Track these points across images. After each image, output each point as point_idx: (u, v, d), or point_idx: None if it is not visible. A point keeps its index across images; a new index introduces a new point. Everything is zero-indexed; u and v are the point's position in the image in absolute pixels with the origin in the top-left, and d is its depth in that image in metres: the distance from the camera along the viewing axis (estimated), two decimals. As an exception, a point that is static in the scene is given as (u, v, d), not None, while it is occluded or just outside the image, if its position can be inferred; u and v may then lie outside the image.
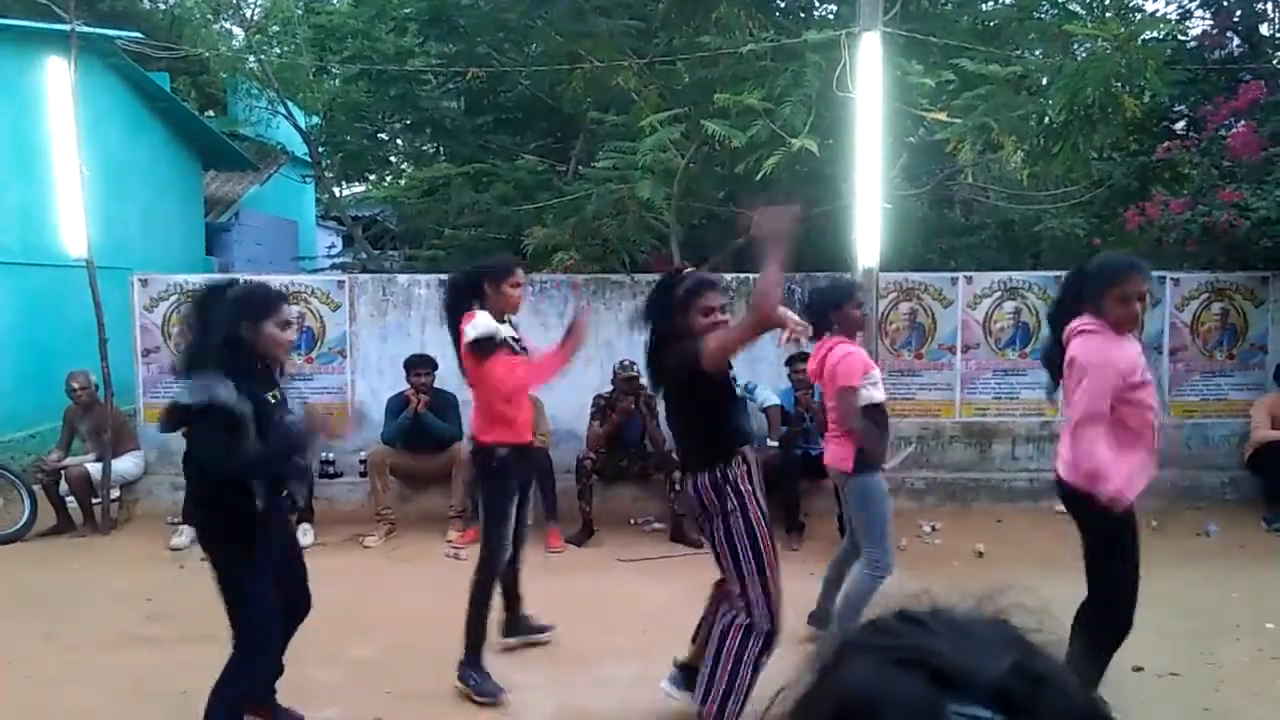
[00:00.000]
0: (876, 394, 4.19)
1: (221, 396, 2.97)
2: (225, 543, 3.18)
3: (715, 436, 3.42)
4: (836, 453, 4.17)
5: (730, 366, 3.46)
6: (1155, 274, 7.47)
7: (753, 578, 3.34)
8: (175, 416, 3.13)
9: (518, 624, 4.54)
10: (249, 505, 3.10)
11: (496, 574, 4.14)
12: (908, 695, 0.55)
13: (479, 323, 3.99)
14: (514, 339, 4.16)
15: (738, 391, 3.54)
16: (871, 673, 0.58)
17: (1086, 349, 3.20)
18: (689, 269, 3.74)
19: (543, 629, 4.57)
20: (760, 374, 6.83)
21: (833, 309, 4.23)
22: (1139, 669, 3.95)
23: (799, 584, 4.44)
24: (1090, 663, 3.25)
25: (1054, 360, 3.41)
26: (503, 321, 4.14)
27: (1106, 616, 3.25)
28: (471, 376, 4.11)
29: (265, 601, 3.22)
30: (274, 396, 3.23)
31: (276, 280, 7.52)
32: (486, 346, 3.98)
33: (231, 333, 3.10)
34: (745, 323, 3.28)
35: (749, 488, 3.38)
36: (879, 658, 0.59)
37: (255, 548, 3.16)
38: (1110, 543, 3.27)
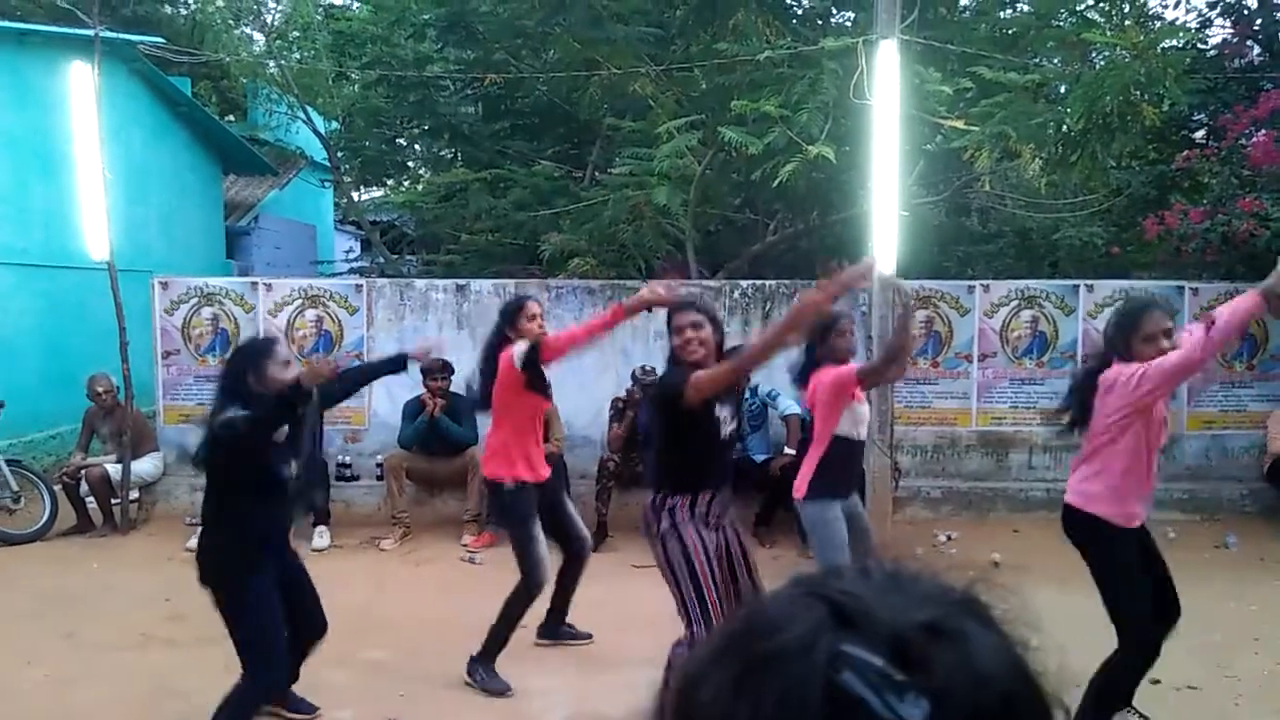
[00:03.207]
0: (848, 429, 4.04)
1: (229, 415, 3.20)
2: (225, 573, 3.30)
3: (673, 467, 3.41)
4: (799, 479, 4.10)
5: (718, 407, 3.36)
6: (1174, 284, 7.45)
7: (691, 600, 3.32)
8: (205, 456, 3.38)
9: (555, 629, 4.67)
10: (248, 532, 3.30)
11: (537, 592, 4.22)
12: (803, 625, 0.55)
13: (518, 347, 4.16)
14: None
15: (725, 428, 3.41)
16: (786, 601, 0.58)
17: (1115, 371, 3.27)
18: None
19: (578, 635, 4.70)
20: (782, 382, 6.82)
21: (819, 342, 4.05)
22: (1156, 682, 3.92)
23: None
24: (1112, 687, 3.25)
25: (1083, 400, 3.43)
26: None
27: (1127, 642, 3.26)
28: (498, 403, 4.26)
29: (268, 627, 3.32)
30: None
31: (294, 284, 7.60)
32: (533, 357, 4.11)
33: (241, 389, 3.30)
34: (749, 353, 3.29)
35: (686, 518, 3.34)
36: (802, 589, 0.59)
37: (252, 577, 3.29)
38: (1113, 565, 3.28)
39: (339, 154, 11.99)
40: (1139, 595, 3.30)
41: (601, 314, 4.51)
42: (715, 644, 0.60)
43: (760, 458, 6.67)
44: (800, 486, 4.04)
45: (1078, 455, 3.55)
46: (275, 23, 12.33)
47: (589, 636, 4.70)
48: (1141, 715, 3.51)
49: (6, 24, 9.32)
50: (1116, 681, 3.27)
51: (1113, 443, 3.29)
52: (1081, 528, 3.39)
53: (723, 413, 3.38)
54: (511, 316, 4.30)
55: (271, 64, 11.39)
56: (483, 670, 4.16)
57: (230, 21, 11.78)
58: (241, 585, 3.27)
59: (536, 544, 4.20)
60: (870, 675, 0.51)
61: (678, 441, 3.39)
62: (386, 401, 7.27)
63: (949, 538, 6.59)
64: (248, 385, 3.31)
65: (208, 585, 3.30)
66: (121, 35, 9.73)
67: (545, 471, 4.38)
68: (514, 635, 4.64)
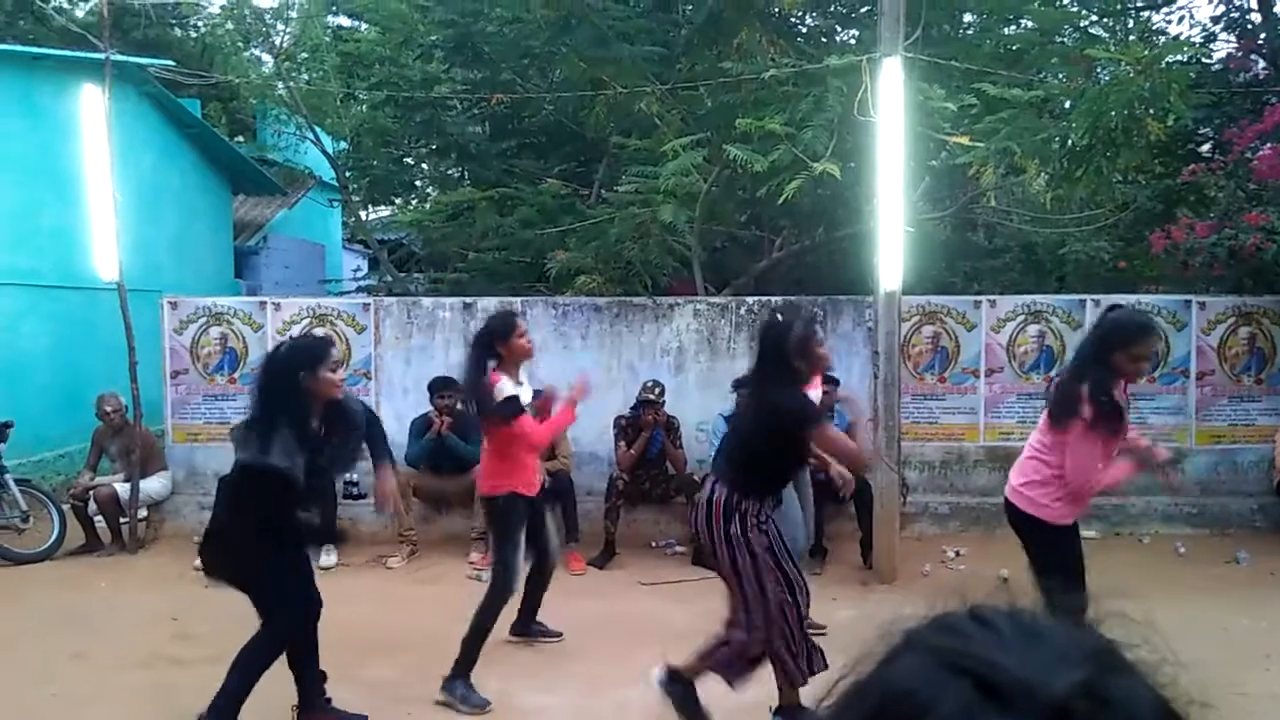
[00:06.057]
0: None
1: (275, 463, 3.28)
2: (255, 557, 3.53)
3: (762, 477, 3.63)
4: None
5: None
6: (1181, 298, 7.44)
7: (752, 605, 3.55)
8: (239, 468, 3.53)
9: (526, 626, 4.83)
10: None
11: (505, 600, 4.31)
12: (951, 704, 0.50)
13: (503, 387, 4.22)
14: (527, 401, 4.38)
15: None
16: (921, 673, 0.53)
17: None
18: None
19: (549, 633, 4.85)
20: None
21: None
22: (1166, 698, 3.89)
23: (822, 606, 4.42)
24: None
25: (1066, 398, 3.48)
26: (517, 376, 4.36)
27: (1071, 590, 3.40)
28: (488, 428, 4.35)
29: (290, 590, 3.62)
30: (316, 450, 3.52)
31: (302, 303, 7.65)
32: (514, 408, 4.20)
33: (291, 383, 3.42)
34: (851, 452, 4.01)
35: (752, 524, 3.58)
36: (934, 658, 0.54)
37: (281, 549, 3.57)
38: (1061, 552, 3.57)
39: (347, 174, 12.06)
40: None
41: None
42: None
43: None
44: None
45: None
46: (284, 44, 12.42)
47: (559, 635, 4.85)
48: None
49: (18, 48, 9.44)
50: None
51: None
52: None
53: None
54: (506, 333, 4.28)
55: (280, 85, 11.47)
56: (461, 687, 4.16)
57: (240, 44, 11.86)
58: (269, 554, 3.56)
59: (517, 553, 4.34)
60: None
61: (778, 457, 3.62)
62: (393, 420, 7.28)
63: (957, 554, 6.56)
64: (298, 384, 3.39)
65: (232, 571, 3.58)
66: (132, 58, 9.83)
67: (537, 487, 4.50)
68: (517, 652, 4.65)
